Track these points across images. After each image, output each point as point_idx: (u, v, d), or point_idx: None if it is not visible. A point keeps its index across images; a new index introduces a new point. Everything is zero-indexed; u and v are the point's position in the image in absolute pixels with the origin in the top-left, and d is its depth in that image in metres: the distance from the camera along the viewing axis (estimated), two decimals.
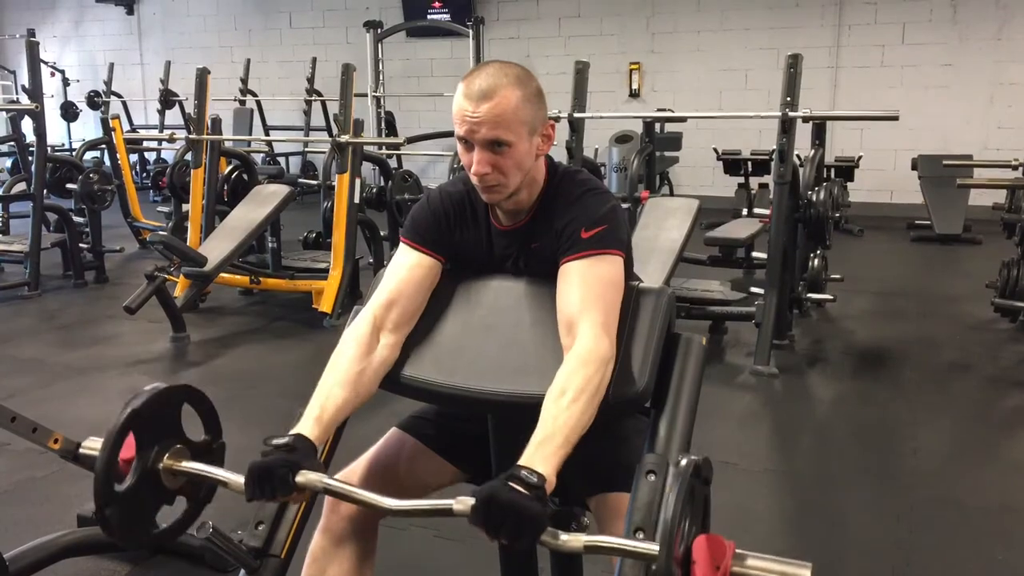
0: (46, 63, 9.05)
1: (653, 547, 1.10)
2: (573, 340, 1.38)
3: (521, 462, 1.22)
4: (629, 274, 1.52)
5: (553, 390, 1.33)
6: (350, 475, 1.59)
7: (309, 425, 1.38)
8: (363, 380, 1.45)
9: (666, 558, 1.07)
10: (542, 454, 1.24)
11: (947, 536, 2.64)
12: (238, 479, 1.34)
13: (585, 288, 1.42)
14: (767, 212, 5.15)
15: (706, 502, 1.22)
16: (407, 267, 1.55)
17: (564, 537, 1.16)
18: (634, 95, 10.00)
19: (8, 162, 9.32)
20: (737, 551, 1.14)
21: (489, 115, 1.41)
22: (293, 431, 1.37)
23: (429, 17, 10.43)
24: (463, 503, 1.18)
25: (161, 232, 5.62)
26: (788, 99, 4.25)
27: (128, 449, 1.36)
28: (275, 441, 1.34)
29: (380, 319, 1.50)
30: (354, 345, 1.47)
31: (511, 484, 1.17)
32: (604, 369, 1.36)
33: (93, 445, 1.39)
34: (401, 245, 1.59)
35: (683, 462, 1.15)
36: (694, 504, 1.16)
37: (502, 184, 1.47)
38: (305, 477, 1.29)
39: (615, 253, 1.47)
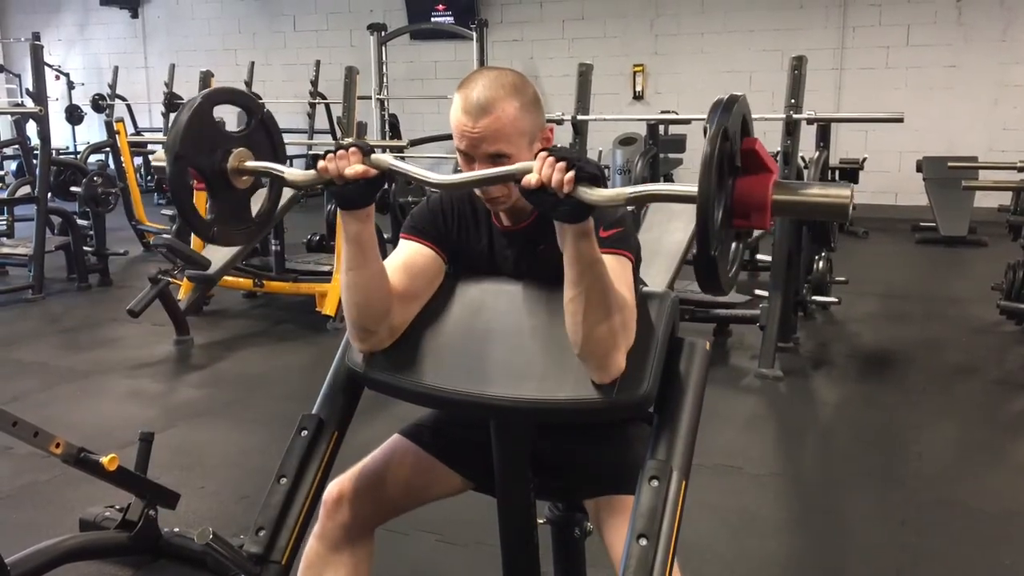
0: (51, 66, 9.07)
1: (691, 188, 1.17)
2: None
3: None
4: (636, 280, 1.52)
5: None
6: (350, 480, 1.58)
7: None
8: (386, 281, 1.48)
9: (708, 193, 1.14)
10: None
11: (953, 540, 2.63)
12: (296, 172, 1.47)
13: (609, 272, 1.42)
14: None
15: (746, 127, 1.28)
16: (405, 252, 1.55)
17: (606, 192, 1.23)
18: (638, 97, 9.99)
19: (13, 165, 9.34)
20: (778, 180, 1.23)
21: (488, 130, 1.41)
22: None
23: (433, 20, 10.43)
24: (528, 162, 1.27)
25: (165, 235, 5.62)
26: (792, 101, 4.24)
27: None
28: None
29: None
30: None
31: None
32: (630, 329, 1.38)
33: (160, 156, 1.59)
34: (399, 241, 1.59)
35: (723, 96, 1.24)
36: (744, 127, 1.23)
37: (504, 195, 1.48)
38: (378, 156, 1.37)
39: (628, 256, 1.47)
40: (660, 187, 1.28)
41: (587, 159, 1.24)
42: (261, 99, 8.12)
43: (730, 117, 1.20)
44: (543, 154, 1.23)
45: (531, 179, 1.23)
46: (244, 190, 1.55)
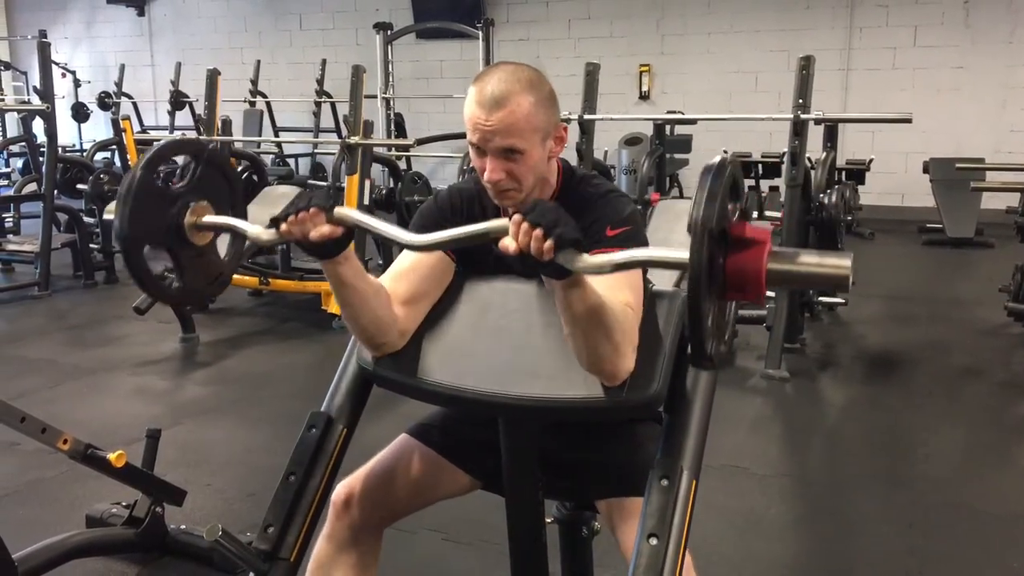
0: (57, 64, 9.07)
1: (682, 254, 1.08)
2: None
3: None
4: (644, 279, 1.51)
5: None
6: (359, 481, 1.58)
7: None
8: (384, 295, 1.46)
9: (700, 259, 1.04)
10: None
11: (960, 543, 2.62)
12: (259, 230, 1.37)
13: (613, 277, 1.41)
14: (778, 215, 5.12)
15: (739, 196, 1.19)
16: (412, 255, 1.54)
17: (593, 258, 1.16)
18: (644, 97, 9.97)
19: (19, 163, 9.36)
20: (774, 249, 1.12)
21: (502, 124, 1.39)
22: None
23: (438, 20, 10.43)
24: (499, 221, 1.20)
25: None
26: (800, 101, 4.23)
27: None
28: None
29: (389, 288, 1.49)
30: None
31: None
32: (635, 329, 1.35)
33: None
34: None
35: (715, 159, 1.13)
36: (734, 192, 1.13)
37: (516, 190, 1.46)
38: (342, 211, 1.30)
39: None
40: (650, 253, 1.18)
41: (566, 220, 1.15)
42: (266, 98, 8.06)
43: (722, 183, 1.11)
44: (517, 218, 1.15)
45: (508, 246, 1.17)
46: (207, 244, 1.47)
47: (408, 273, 1.50)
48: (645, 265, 1.20)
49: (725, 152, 1.15)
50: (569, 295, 1.24)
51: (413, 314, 1.49)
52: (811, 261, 1.12)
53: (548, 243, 1.13)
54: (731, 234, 1.10)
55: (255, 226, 1.40)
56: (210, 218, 1.44)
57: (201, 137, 5.82)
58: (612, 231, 1.44)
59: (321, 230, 1.30)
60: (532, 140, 1.42)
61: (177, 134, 7.94)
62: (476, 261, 1.57)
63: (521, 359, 1.44)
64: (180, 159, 1.57)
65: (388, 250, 5.65)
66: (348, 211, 1.31)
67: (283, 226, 1.31)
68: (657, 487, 1.33)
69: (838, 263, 1.12)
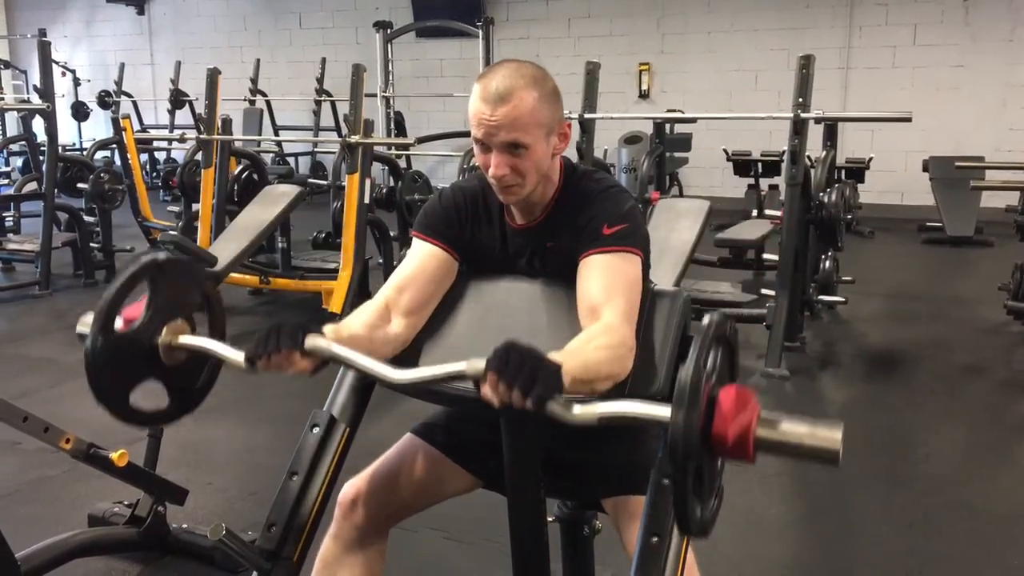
0: (57, 63, 9.07)
1: (665, 411, 1.04)
2: (596, 321, 1.37)
3: None
4: (646, 276, 1.51)
5: (578, 338, 1.32)
6: (365, 481, 1.58)
7: (326, 330, 1.36)
8: (377, 335, 1.45)
9: (686, 414, 1.00)
10: (558, 358, 1.19)
11: (961, 542, 2.62)
12: (238, 356, 1.31)
13: (608, 280, 1.41)
14: (777, 213, 5.13)
15: (733, 364, 1.16)
16: (417, 257, 1.55)
17: (577, 408, 1.11)
18: (644, 96, 9.98)
19: (19, 162, 9.36)
20: (763, 415, 1.09)
21: (506, 119, 1.40)
22: None
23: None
24: (475, 364, 1.13)
25: (171, 232, 5.64)
26: (800, 100, 4.23)
27: (135, 310, 1.36)
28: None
29: (392, 300, 1.50)
30: (369, 311, 1.48)
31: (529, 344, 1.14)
32: (627, 351, 1.34)
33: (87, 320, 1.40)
34: (413, 240, 1.59)
35: (705, 320, 1.10)
36: (719, 369, 1.10)
37: (519, 185, 1.47)
38: (314, 341, 1.27)
39: (635, 252, 1.46)
40: (634, 407, 1.12)
41: (544, 372, 1.11)
42: (266, 96, 8.04)
43: (713, 349, 1.09)
44: (492, 376, 1.11)
45: (491, 398, 1.13)
46: (184, 363, 1.40)
47: (411, 283, 1.51)
48: (630, 421, 1.13)
49: (714, 314, 1.12)
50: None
51: (415, 322, 1.51)
52: (801, 432, 1.08)
53: (528, 402, 1.10)
54: (719, 399, 1.08)
55: (234, 352, 1.34)
56: (186, 339, 1.37)
57: (202, 136, 5.82)
58: (609, 229, 1.45)
59: (296, 367, 1.30)
60: (536, 135, 1.43)
61: (177, 133, 7.91)
62: (480, 259, 1.57)
63: None
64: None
65: (388, 249, 5.66)
66: (320, 343, 1.27)
67: (259, 364, 1.30)
68: (659, 486, 1.33)
69: (828, 435, 1.08)
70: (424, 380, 1.24)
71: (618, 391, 1.36)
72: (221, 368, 1.43)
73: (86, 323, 1.39)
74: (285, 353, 1.28)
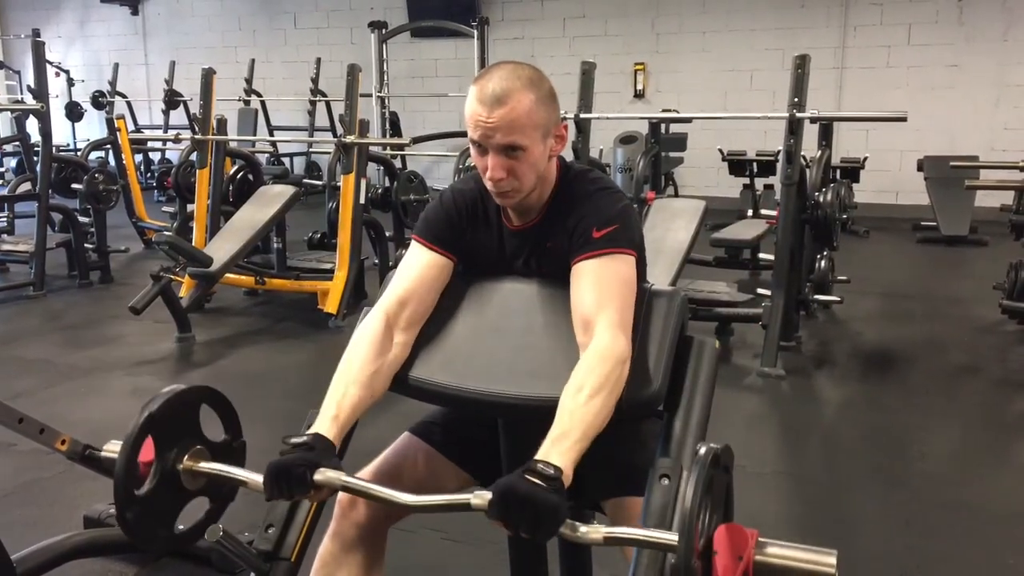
0: (51, 63, 9.05)
1: (672, 537, 1.09)
2: (590, 338, 1.37)
3: (538, 457, 1.21)
4: (641, 274, 1.51)
5: (570, 387, 1.32)
6: (363, 478, 1.58)
7: (326, 424, 1.37)
8: (377, 379, 1.45)
9: (685, 548, 1.06)
10: (559, 449, 1.23)
11: (957, 541, 2.63)
12: (258, 479, 1.33)
13: (600, 287, 1.41)
14: (773, 213, 5.13)
15: (728, 491, 1.21)
16: (419, 266, 1.54)
17: (583, 529, 1.17)
18: (639, 96, 9.98)
19: (13, 162, 9.33)
20: (760, 539, 1.13)
21: (503, 121, 1.40)
22: (310, 431, 1.36)
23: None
24: (481, 497, 1.18)
25: (166, 232, 5.62)
26: (796, 100, 4.24)
27: (147, 452, 1.36)
28: (293, 440, 1.34)
29: (392, 317, 1.49)
30: (367, 345, 1.46)
31: (528, 477, 1.17)
32: (621, 367, 1.35)
33: (112, 448, 1.41)
34: (413, 243, 1.59)
35: (701, 451, 1.14)
36: (714, 494, 1.15)
37: (516, 188, 1.47)
38: (324, 475, 1.29)
39: (627, 252, 1.46)
40: (638, 534, 1.19)
41: (544, 510, 1.15)
42: (261, 96, 8.01)
43: (709, 489, 1.13)
44: (497, 522, 1.17)
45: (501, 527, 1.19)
46: (193, 491, 1.42)
47: (412, 296, 1.51)
48: (634, 544, 1.22)
49: (710, 448, 1.16)
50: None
51: (412, 337, 1.51)
52: (799, 557, 1.13)
53: (537, 539, 1.17)
54: (713, 540, 1.13)
55: (253, 476, 1.35)
56: (205, 465, 1.40)
57: (196, 136, 5.80)
58: (599, 232, 1.45)
59: (312, 501, 1.35)
60: (533, 137, 1.43)
61: (172, 133, 7.90)
62: (478, 260, 1.57)
63: (522, 359, 1.45)
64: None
65: (384, 249, 5.65)
66: (331, 476, 1.29)
67: (274, 497, 1.32)
68: (657, 486, 1.33)
69: (824, 560, 1.13)
70: (432, 507, 1.28)
71: None
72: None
73: (112, 449, 1.43)
74: (299, 496, 1.32)
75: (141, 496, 1.34)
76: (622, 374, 1.35)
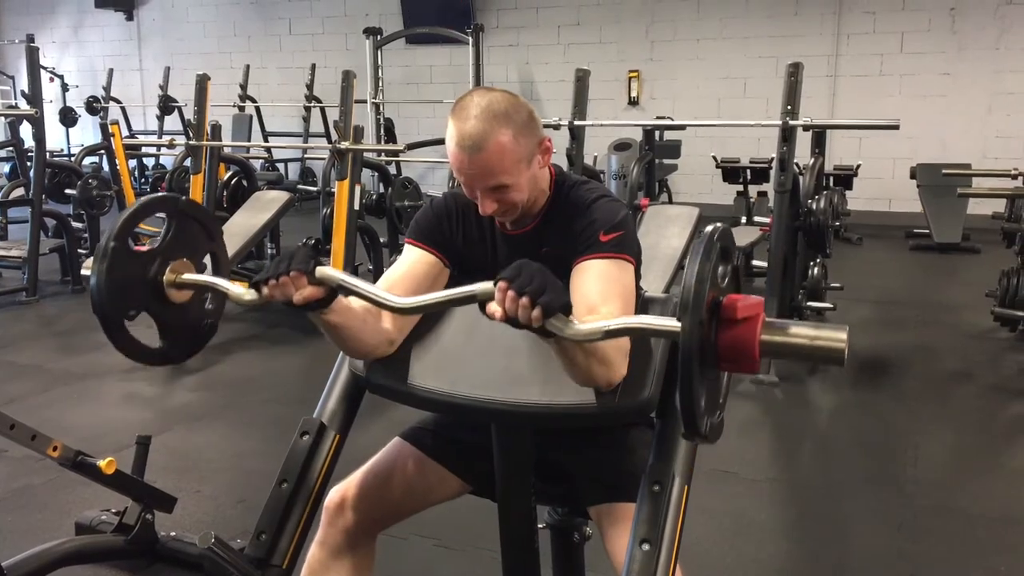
0: (45, 68, 9.05)
1: (677, 324, 1.06)
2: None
3: None
4: (637, 284, 1.52)
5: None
6: (352, 485, 1.58)
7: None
8: (370, 319, 1.44)
9: (692, 325, 1.02)
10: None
11: (950, 546, 2.63)
12: (241, 290, 1.34)
13: (604, 283, 1.42)
14: (766, 220, 5.15)
15: (736, 274, 1.17)
16: (408, 262, 1.55)
17: (581, 326, 1.15)
18: (633, 103, 10.01)
19: (6, 167, 9.31)
20: (768, 320, 1.10)
21: (484, 167, 1.41)
22: None
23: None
24: (485, 285, 1.17)
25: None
26: (789, 107, 4.26)
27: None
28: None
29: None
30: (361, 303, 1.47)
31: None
32: (623, 355, 1.35)
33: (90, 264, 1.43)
34: (404, 246, 1.59)
35: (708, 228, 1.12)
36: (722, 269, 1.12)
37: (510, 211, 1.49)
38: (324, 272, 1.29)
39: (629, 260, 1.47)
40: (641, 321, 1.18)
41: (552, 285, 1.14)
42: (256, 102, 8.00)
43: (714, 255, 1.09)
44: (503, 285, 1.14)
45: (495, 312, 1.15)
46: (188, 301, 1.44)
47: (400, 283, 1.51)
48: (637, 334, 1.21)
49: (718, 225, 1.13)
50: (560, 343, 1.23)
51: (403, 324, 1.50)
52: (806, 333, 1.10)
53: (536, 311, 1.13)
54: (723, 305, 1.09)
55: (236, 286, 1.37)
56: (189, 276, 1.41)
57: (191, 142, 5.81)
58: (605, 236, 1.45)
59: (303, 293, 1.29)
60: (516, 172, 1.44)
61: (166, 139, 7.89)
62: (472, 265, 1.58)
63: (514, 365, 1.45)
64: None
65: (378, 255, 5.65)
66: (331, 272, 1.29)
67: (265, 289, 1.30)
68: (649, 493, 1.34)
69: (834, 335, 1.10)
70: (431, 305, 1.26)
71: (608, 398, 1.36)
72: (217, 326, 1.51)
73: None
74: (294, 276, 1.28)
75: (129, 250, 1.38)
76: (623, 358, 1.35)
